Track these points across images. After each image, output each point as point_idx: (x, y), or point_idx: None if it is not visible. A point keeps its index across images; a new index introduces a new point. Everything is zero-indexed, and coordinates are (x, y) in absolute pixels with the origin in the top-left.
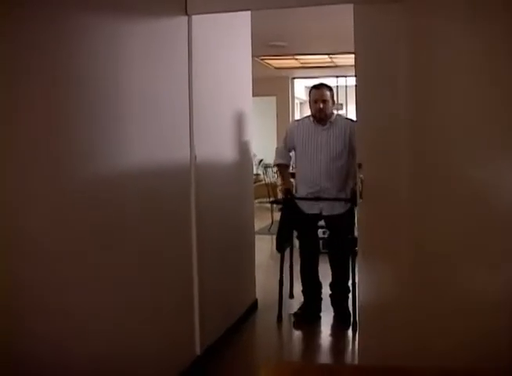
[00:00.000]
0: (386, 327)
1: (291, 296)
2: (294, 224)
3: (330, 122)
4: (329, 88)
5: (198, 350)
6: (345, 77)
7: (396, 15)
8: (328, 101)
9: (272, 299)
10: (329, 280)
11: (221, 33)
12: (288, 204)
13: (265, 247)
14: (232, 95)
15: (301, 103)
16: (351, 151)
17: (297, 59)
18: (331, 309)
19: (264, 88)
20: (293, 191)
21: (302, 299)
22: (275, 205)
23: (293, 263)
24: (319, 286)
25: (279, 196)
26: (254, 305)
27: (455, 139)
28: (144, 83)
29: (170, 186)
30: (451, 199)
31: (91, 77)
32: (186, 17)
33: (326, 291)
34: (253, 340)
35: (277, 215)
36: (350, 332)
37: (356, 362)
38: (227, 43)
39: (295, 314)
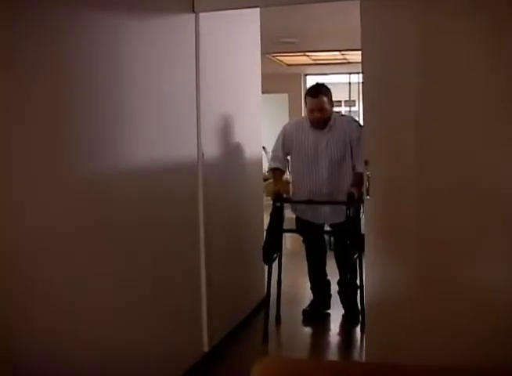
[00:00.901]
0: (393, 325)
1: (278, 321)
2: (299, 232)
3: (330, 126)
4: (327, 92)
5: (206, 347)
6: (358, 73)
7: (403, 10)
8: (325, 109)
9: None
10: (338, 277)
11: (230, 30)
12: (278, 209)
13: None
14: (240, 93)
15: None
16: (352, 151)
17: (308, 55)
18: (341, 307)
19: (276, 85)
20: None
21: (311, 297)
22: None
23: (281, 277)
24: (328, 284)
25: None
26: (262, 303)
27: (464, 135)
28: (149, 81)
29: (177, 183)
30: (460, 195)
31: (96, 76)
32: (193, 15)
33: (334, 288)
34: (261, 337)
35: (286, 213)
36: (358, 330)
37: (363, 359)
38: (235, 40)
39: (304, 311)
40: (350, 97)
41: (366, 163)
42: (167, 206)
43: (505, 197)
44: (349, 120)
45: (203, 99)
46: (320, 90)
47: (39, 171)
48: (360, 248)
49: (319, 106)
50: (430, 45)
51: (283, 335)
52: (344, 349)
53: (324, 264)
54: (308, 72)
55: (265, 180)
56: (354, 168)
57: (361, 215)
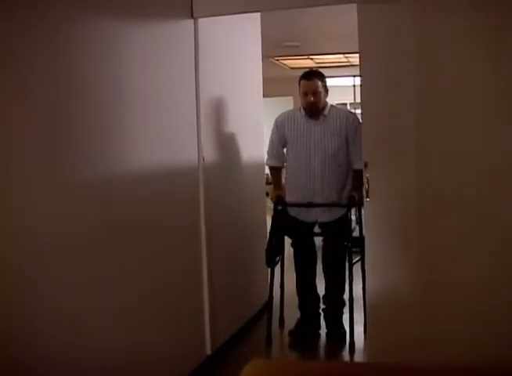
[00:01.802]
0: (395, 326)
1: (281, 324)
2: (288, 233)
3: (324, 115)
4: (321, 77)
5: (209, 350)
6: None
7: (399, 13)
8: (320, 92)
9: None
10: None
11: (229, 35)
12: (279, 212)
13: None
14: (241, 97)
15: None
16: (349, 146)
17: (312, 59)
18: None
19: (280, 89)
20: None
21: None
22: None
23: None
24: (317, 299)
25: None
26: (265, 306)
27: (464, 136)
28: (149, 84)
29: (178, 186)
30: (460, 196)
31: (95, 80)
32: (192, 20)
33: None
34: (264, 340)
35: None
36: (347, 353)
37: (365, 360)
38: (235, 45)
39: (290, 332)
40: (355, 99)
41: (366, 165)
42: (168, 210)
43: (505, 197)
44: (346, 113)
45: (203, 104)
46: (314, 73)
47: (39, 171)
48: (350, 260)
49: (312, 89)
50: (430, 45)
51: (286, 338)
52: (346, 351)
53: (314, 273)
54: None
55: (269, 184)
56: (350, 164)
57: (362, 217)
